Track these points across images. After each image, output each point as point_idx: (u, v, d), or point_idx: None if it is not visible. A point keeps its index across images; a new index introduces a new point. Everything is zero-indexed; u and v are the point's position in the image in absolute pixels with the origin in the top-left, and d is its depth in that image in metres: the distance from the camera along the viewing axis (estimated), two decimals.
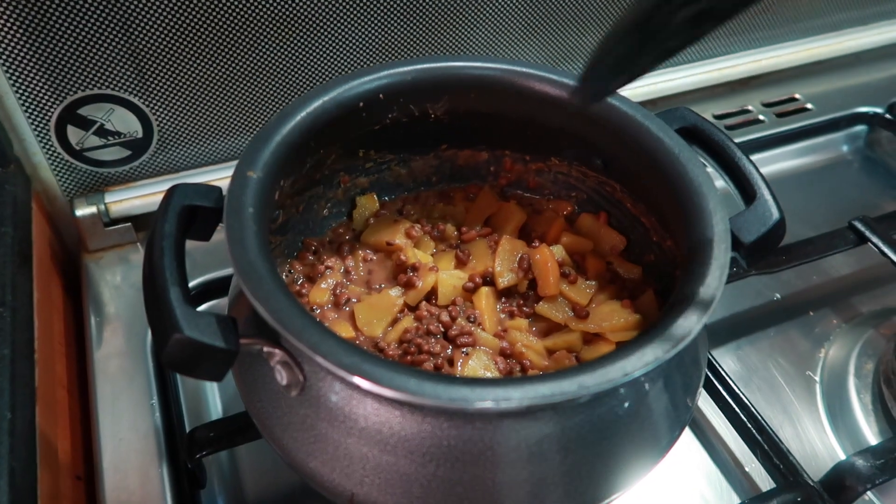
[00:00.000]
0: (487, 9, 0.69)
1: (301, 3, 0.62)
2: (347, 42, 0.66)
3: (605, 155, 0.53)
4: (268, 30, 0.62)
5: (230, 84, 0.64)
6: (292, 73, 0.66)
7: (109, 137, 0.63)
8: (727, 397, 0.55)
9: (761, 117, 0.85)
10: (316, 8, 0.62)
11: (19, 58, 0.56)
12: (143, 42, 0.59)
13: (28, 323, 0.53)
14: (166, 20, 0.58)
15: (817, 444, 0.56)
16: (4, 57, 0.55)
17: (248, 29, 0.61)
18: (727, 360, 0.61)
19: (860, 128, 0.86)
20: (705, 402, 0.57)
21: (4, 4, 0.53)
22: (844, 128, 0.85)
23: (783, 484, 0.51)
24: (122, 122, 0.62)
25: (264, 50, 0.63)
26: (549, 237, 0.56)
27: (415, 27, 0.68)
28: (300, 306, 0.36)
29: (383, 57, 0.68)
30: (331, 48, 0.66)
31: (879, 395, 0.58)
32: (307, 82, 0.67)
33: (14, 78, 0.57)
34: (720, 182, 0.48)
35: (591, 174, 0.56)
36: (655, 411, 0.41)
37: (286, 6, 0.61)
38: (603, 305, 0.51)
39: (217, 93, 0.64)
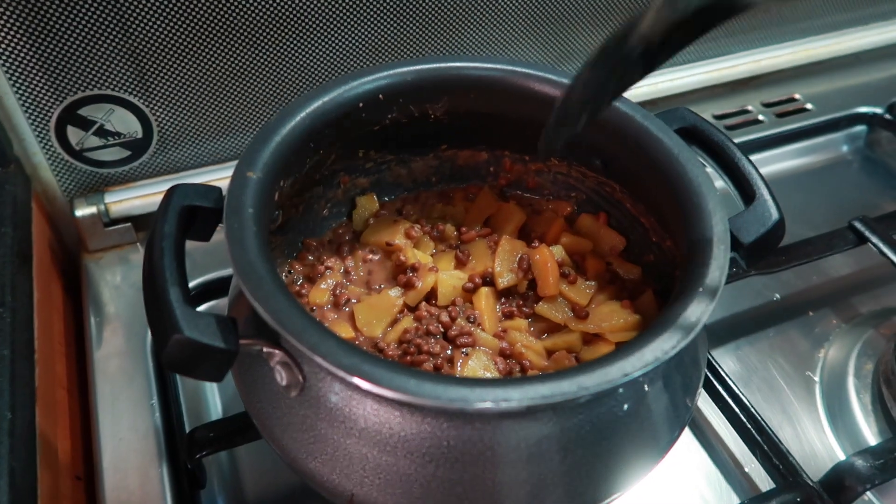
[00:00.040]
0: (487, 9, 0.69)
1: (301, 4, 0.62)
2: (347, 42, 0.66)
3: (604, 155, 0.53)
4: (267, 30, 0.62)
5: (230, 84, 0.64)
6: (292, 73, 0.66)
7: (109, 138, 0.63)
8: (727, 398, 0.55)
9: (761, 117, 0.85)
10: (315, 8, 0.62)
11: (19, 58, 0.56)
12: (143, 42, 0.59)
13: (28, 323, 0.53)
14: (166, 20, 0.58)
15: (817, 445, 0.56)
16: (4, 57, 0.55)
17: (248, 29, 0.62)
18: (727, 360, 0.61)
19: (860, 128, 0.86)
20: (705, 403, 0.57)
21: (4, 5, 0.53)
22: (844, 128, 0.85)
23: (783, 484, 0.51)
24: (121, 123, 0.62)
25: (264, 50, 0.63)
26: (548, 237, 0.56)
27: (415, 27, 0.68)
28: (300, 307, 0.36)
29: (383, 57, 0.68)
30: (330, 48, 0.66)
31: (879, 395, 0.58)
32: (307, 82, 0.67)
33: (14, 78, 0.57)
34: (720, 182, 0.48)
35: (590, 174, 0.56)
36: (655, 411, 0.41)
37: (286, 6, 0.61)
38: (602, 306, 0.51)
39: (217, 93, 0.64)
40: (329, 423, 0.39)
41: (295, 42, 0.64)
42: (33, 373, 0.51)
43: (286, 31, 0.63)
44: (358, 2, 0.63)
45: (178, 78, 0.62)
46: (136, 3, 0.56)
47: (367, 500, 0.39)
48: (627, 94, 0.49)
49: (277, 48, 0.64)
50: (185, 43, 0.60)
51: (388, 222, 0.56)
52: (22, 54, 0.56)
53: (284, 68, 0.65)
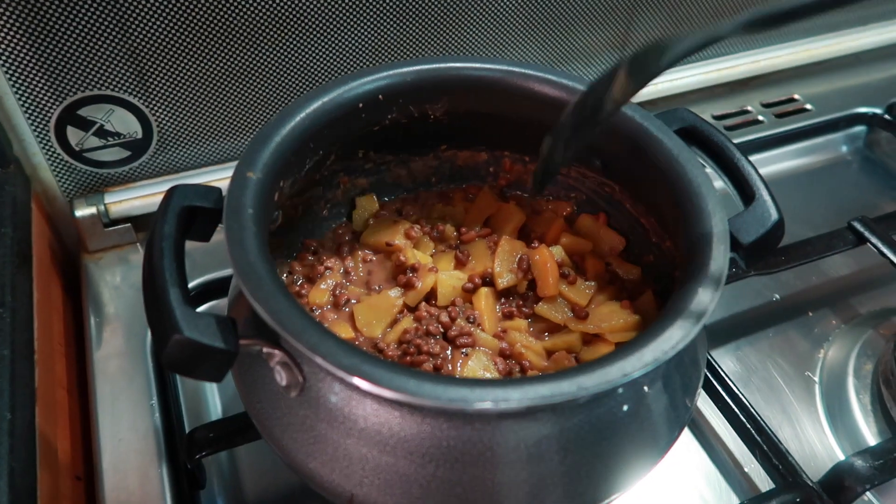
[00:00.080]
0: (487, 9, 0.69)
1: (301, 5, 0.62)
2: (347, 43, 0.66)
3: (604, 156, 0.53)
4: (267, 30, 0.62)
5: (230, 85, 0.64)
6: (292, 73, 0.66)
7: (109, 138, 0.63)
8: (726, 398, 0.55)
9: (760, 118, 0.85)
10: (315, 9, 0.62)
11: (19, 58, 0.56)
12: (143, 43, 0.59)
13: (28, 323, 0.53)
14: (166, 21, 0.58)
15: (816, 445, 0.56)
16: (4, 57, 0.55)
17: (248, 29, 0.62)
18: (726, 360, 0.61)
19: (859, 128, 0.86)
20: (704, 403, 0.57)
21: (4, 5, 0.53)
22: (844, 128, 0.85)
23: (782, 484, 0.51)
24: (121, 123, 0.62)
25: (264, 50, 0.63)
26: (548, 238, 0.56)
27: (415, 27, 0.68)
28: (300, 307, 0.36)
29: (383, 58, 0.68)
30: (330, 49, 0.66)
31: (878, 395, 0.58)
32: (307, 83, 0.67)
33: (14, 78, 0.57)
34: (719, 183, 0.48)
35: (590, 175, 0.56)
36: (654, 412, 0.41)
37: (286, 7, 0.61)
38: (602, 306, 0.51)
39: (217, 93, 0.64)
40: (329, 423, 0.39)
41: (295, 43, 0.64)
42: (33, 373, 0.51)
43: (286, 31, 0.63)
44: (358, 3, 0.63)
45: (178, 78, 0.62)
46: (135, 3, 0.56)
47: (366, 500, 0.39)
48: None
49: (277, 49, 0.64)
50: (185, 43, 0.60)
51: (388, 223, 0.56)
52: (22, 54, 0.56)
53: (284, 69, 0.65)
